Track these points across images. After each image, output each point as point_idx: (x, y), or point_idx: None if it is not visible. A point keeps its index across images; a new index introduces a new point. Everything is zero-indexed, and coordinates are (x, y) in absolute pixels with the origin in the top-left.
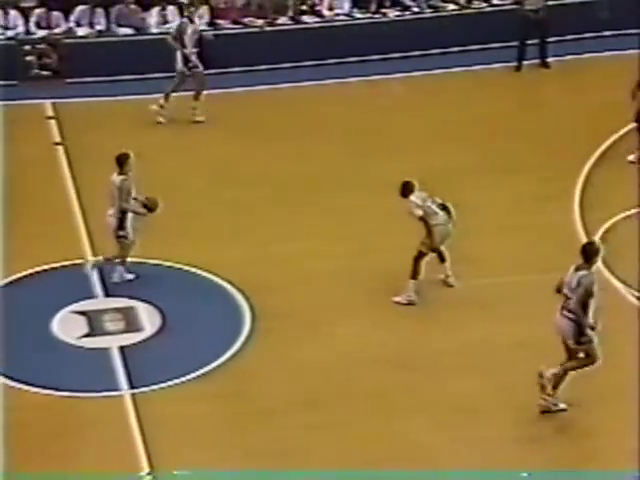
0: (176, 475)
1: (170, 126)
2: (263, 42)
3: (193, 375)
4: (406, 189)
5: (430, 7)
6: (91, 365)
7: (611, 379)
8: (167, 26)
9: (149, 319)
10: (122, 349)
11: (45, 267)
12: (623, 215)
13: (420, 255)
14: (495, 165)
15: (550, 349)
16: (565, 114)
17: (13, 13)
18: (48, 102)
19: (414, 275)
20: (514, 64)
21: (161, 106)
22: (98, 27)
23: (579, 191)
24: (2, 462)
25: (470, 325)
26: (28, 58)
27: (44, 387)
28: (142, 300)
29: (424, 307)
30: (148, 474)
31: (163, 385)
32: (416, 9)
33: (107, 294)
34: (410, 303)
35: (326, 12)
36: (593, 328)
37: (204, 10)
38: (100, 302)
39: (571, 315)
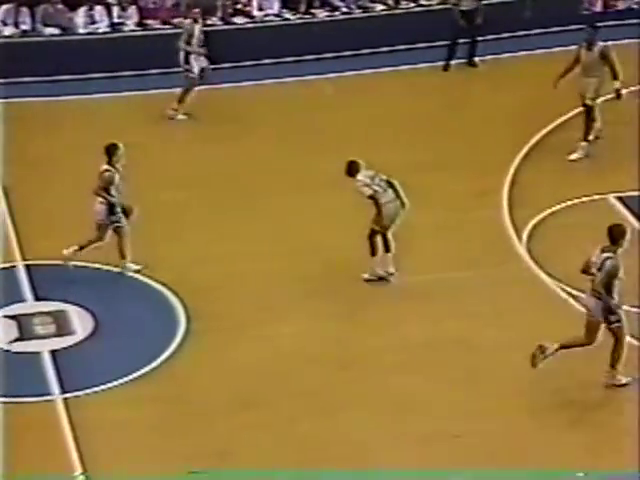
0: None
1: (103, 127)
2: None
3: (127, 378)
4: (352, 168)
5: (359, 7)
6: (22, 370)
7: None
8: (94, 26)
9: (81, 322)
10: (53, 353)
11: None
12: (550, 211)
13: (373, 233)
14: (425, 163)
15: (487, 344)
16: (492, 112)
17: None
18: None
19: (373, 252)
20: (442, 63)
21: (175, 109)
22: (23, 27)
23: (507, 188)
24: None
25: (407, 322)
26: None
27: None
28: (73, 303)
29: (361, 305)
30: (82, 474)
31: (96, 389)
32: (345, 9)
33: (37, 298)
34: (378, 278)
35: (256, 13)
36: (619, 308)
37: (132, 10)
38: (30, 306)
39: (598, 295)
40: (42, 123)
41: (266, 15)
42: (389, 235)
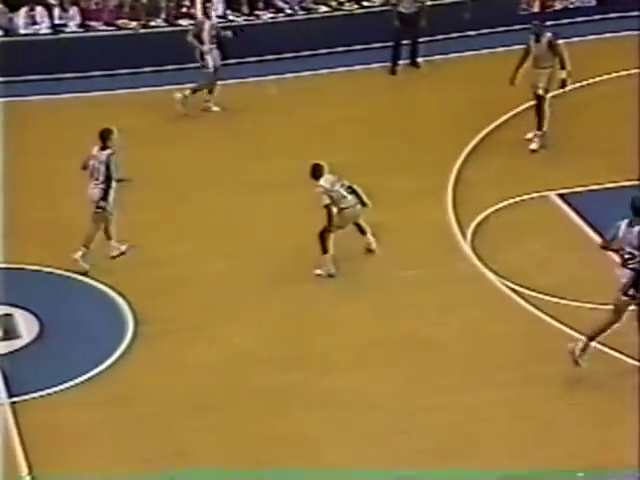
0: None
1: (44, 130)
2: (139, 44)
3: (75, 382)
4: (316, 171)
5: (303, 9)
6: None
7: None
8: (36, 27)
9: (26, 326)
10: None
11: None
12: (493, 209)
13: (325, 231)
14: (371, 164)
15: (434, 341)
16: (436, 112)
17: None
18: None
19: (324, 250)
20: (388, 65)
21: (206, 100)
22: None
23: (451, 187)
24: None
25: (356, 321)
26: None
27: None
28: (19, 307)
29: (310, 304)
30: (28, 474)
31: (43, 393)
32: (289, 11)
33: None
34: (330, 275)
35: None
36: None
37: (74, 11)
38: None
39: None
40: None
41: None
42: (360, 221)
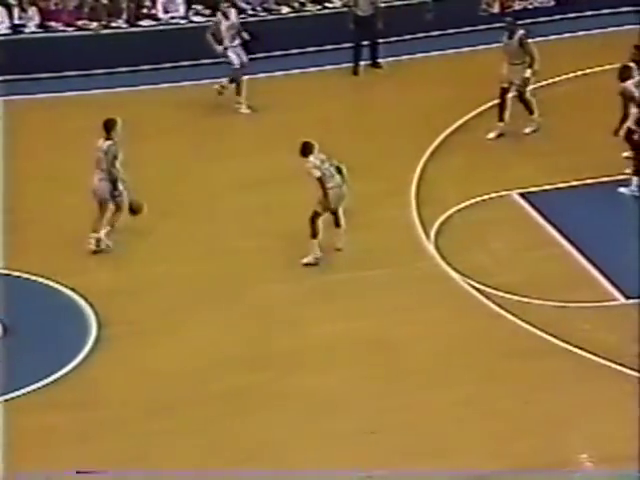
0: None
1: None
2: (99, 45)
3: (38, 385)
4: (306, 149)
5: (265, 10)
6: None
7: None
8: None
9: None
10: None
11: None
12: (456, 208)
13: (316, 215)
14: None
15: (400, 341)
16: (399, 113)
17: None
18: None
19: (314, 235)
20: (350, 66)
21: (238, 102)
22: None
23: (415, 187)
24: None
25: (320, 321)
26: None
27: None
28: None
29: (274, 306)
30: None
31: (6, 397)
32: (251, 12)
33: None
34: (317, 262)
35: (162, 15)
36: None
37: (33, 12)
38: None
39: None
40: None
41: (172, 18)
42: (339, 212)
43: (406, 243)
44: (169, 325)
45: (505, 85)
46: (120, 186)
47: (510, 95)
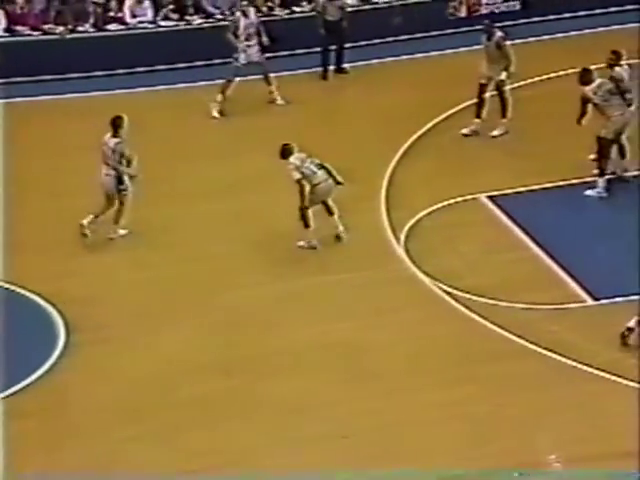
0: None
1: None
2: (65, 50)
3: (7, 392)
4: (285, 152)
5: (233, 14)
6: None
7: (419, 371)
8: None
9: None
10: None
11: None
12: (426, 212)
13: (304, 209)
14: None
15: (370, 344)
16: (368, 117)
17: None
18: None
19: (306, 225)
20: (319, 71)
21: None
22: None
23: (384, 191)
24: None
25: (290, 326)
26: None
27: None
28: None
29: (244, 311)
30: None
31: None
32: (219, 16)
33: None
34: (312, 247)
35: (129, 20)
36: None
37: (0, 15)
38: None
39: None
40: None
41: (140, 22)
42: (328, 201)
43: (376, 247)
44: (139, 331)
45: (483, 81)
46: (127, 181)
47: (488, 94)
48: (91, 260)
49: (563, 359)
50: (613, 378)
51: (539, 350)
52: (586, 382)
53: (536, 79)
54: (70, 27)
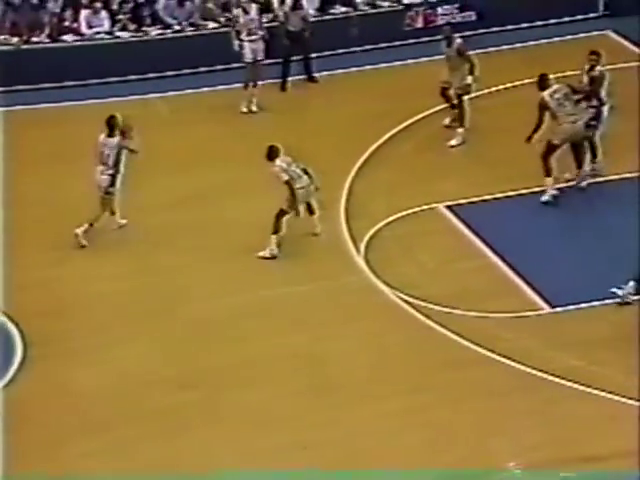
0: None
1: None
2: (19, 61)
3: None
4: (272, 153)
5: (191, 25)
6: None
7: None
8: None
9: None
10: None
11: None
12: (385, 222)
13: (282, 213)
14: (263, 179)
15: (330, 355)
16: (326, 128)
17: None
18: None
19: (276, 230)
20: (279, 81)
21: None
22: None
23: (344, 201)
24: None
25: (250, 338)
26: None
27: None
28: None
29: (205, 323)
30: None
31: None
32: (177, 27)
33: None
34: (272, 257)
35: (85, 30)
36: None
37: None
38: None
39: None
40: None
41: (96, 33)
42: (311, 201)
43: (336, 257)
44: (99, 344)
45: (445, 85)
46: (117, 184)
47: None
48: (50, 274)
49: (520, 366)
50: (569, 384)
51: (496, 357)
52: (543, 389)
53: (493, 89)
54: (25, 38)
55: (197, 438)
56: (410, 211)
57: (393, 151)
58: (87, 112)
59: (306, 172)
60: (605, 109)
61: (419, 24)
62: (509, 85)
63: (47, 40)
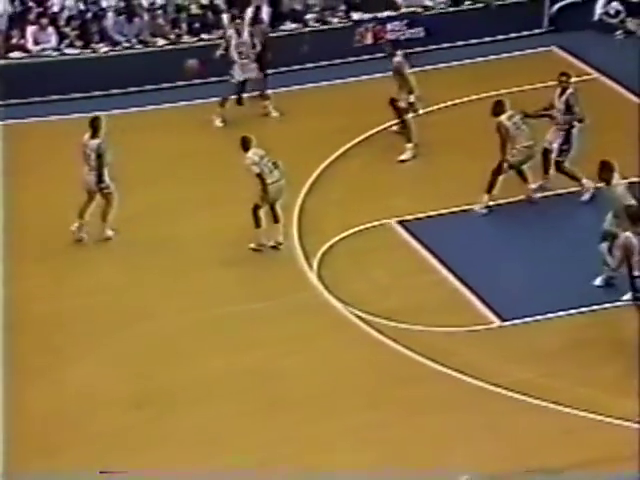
0: None
1: None
2: None
3: None
4: (245, 143)
5: (140, 42)
6: None
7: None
8: None
9: None
10: None
11: None
12: (338, 238)
13: (256, 207)
14: (214, 197)
15: (283, 372)
16: (282, 144)
17: None
18: None
19: (257, 225)
20: (234, 98)
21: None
22: None
23: (296, 217)
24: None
25: (202, 356)
26: None
27: None
28: None
29: (154, 342)
30: None
31: None
32: (126, 44)
33: None
34: (259, 248)
35: (32, 47)
36: None
37: None
38: None
39: None
40: None
41: (43, 50)
42: (277, 207)
43: (289, 274)
44: (48, 364)
45: (395, 97)
46: (106, 179)
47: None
48: (2, 291)
49: (473, 380)
50: (522, 397)
51: (450, 372)
52: (496, 403)
53: (442, 105)
54: None
55: (149, 458)
56: (362, 227)
57: (346, 167)
58: (29, 130)
59: (277, 167)
60: (575, 131)
61: (369, 40)
62: (457, 101)
63: None
